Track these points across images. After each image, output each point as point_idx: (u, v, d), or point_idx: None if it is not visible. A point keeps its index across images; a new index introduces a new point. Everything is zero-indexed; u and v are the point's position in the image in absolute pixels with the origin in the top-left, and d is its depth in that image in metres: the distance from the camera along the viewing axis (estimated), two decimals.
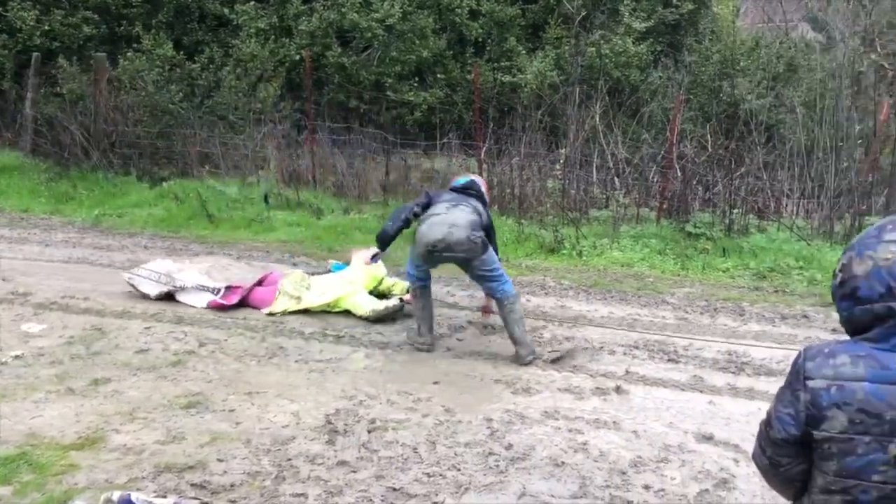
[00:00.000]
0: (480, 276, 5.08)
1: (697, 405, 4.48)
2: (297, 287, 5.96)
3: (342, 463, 3.71)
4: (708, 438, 4.05)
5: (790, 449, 1.80)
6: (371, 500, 3.39)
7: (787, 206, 9.67)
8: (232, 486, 3.49)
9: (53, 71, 11.35)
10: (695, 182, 9.41)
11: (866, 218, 8.36)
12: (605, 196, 9.75)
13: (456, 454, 3.82)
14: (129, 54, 11.16)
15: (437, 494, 3.44)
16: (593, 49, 11.94)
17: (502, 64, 12.24)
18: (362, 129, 11.06)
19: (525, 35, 12.89)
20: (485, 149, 10.04)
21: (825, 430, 1.70)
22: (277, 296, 5.94)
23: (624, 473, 3.68)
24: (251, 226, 8.80)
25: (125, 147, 11.05)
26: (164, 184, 10.25)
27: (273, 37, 11.89)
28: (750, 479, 3.58)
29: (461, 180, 5.48)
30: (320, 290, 5.95)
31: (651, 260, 7.78)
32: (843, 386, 1.69)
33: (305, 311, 5.89)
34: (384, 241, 5.17)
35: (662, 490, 3.54)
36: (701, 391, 4.68)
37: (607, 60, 11.85)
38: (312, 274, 6.26)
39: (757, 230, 8.51)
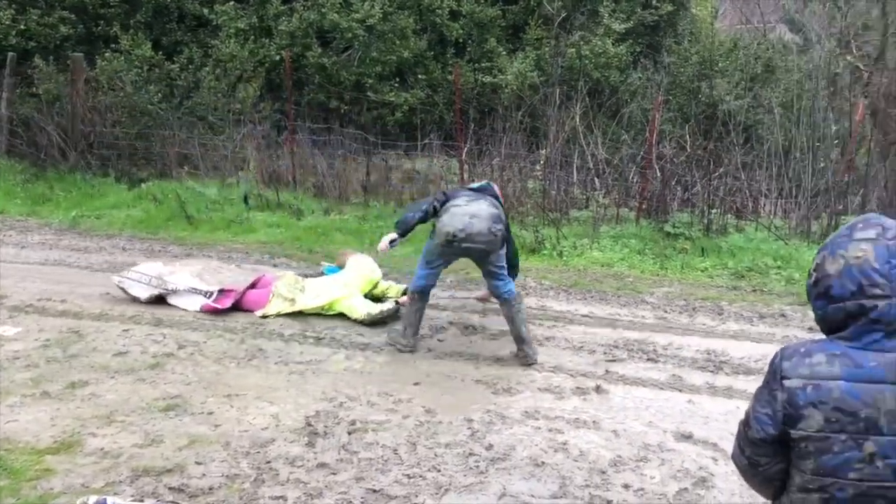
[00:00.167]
0: (491, 272, 5.08)
1: (676, 404, 4.51)
2: (290, 289, 5.92)
3: (322, 465, 3.69)
4: (687, 437, 4.07)
5: (768, 448, 1.81)
6: (351, 501, 3.38)
7: (764, 205, 9.76)
8: (210, 489, 3.46)
9: (29, 71, 11.19)
10: (674, 182, 9.47)
11: (842, 217, 8.45)
12: (585, 196, 9.78)
13: (436, 455, 3.82)
14: (106, 54, 11.05)
15: (417, 496, 3.44)
16: (573, 50, 11.98)
17: (483, 65, 12.25)
18: (343, 129, 11.02)
19: (505, 36, 12.91)
20: (466, 149, 10.04)
21: (802, 429, 1.72)
22: (271, 298, 5.89)
23: (604, 473, 3.69)
24: (230, 227, 8.74)
25: (103, 148, 10.94)
26: (143, 185, 10.16)
27: (253, 37, 11.83)
28: (728, 478, 3.60)
29: (476, 184, 5.43)
30: (314, 292, 5.90)
31: (630, 260, 7.82)
32: (820, 385, 1.70)
33: (285, 313, 5.86)
34: (405, 228, 5.09)
35: (642, 489, 3.56)
36: (680, 390, 4.71)
37: (587, 61, 11.90)
38: (306, 276, 6.22)
39: (735, 230, 8.58)
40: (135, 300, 5.97)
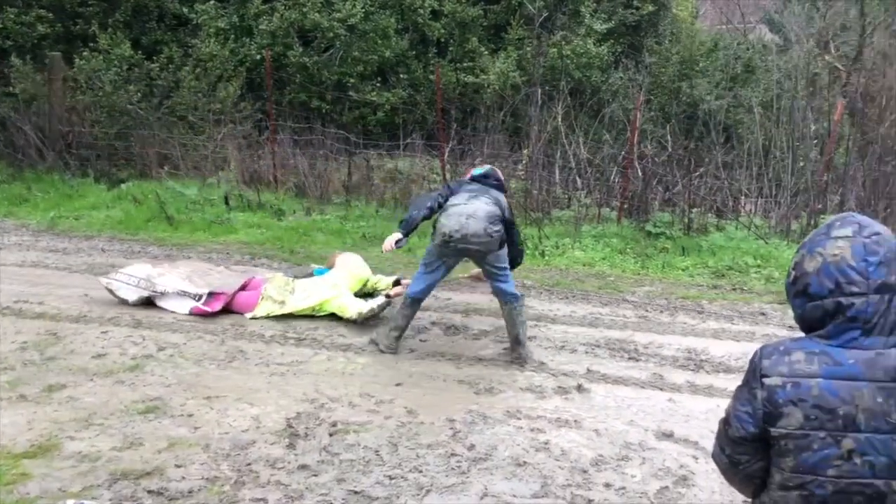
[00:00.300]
0: (491, 273, 5.06)
1: (657, 403, 4.52)
2: (280, 291, 5.87)
3: (303, 467, 3.67)
4: (668, 436, 4.08)
5: (749, 447, 1.82)
6: (332, 503, 3.36)
7: (745, 205, 9.83)
8: (190, 492, 3.43)
9: (6, 70, 11.08)
10: (655, 182, 9.52)
11: (822, 216, 8.53)
12: (567, 196, 9.81)
13: (418, 456, 3.81)
14: (85, 54, 10.94)
15: (398, 497, 3.42)
16: (555, 50, 12.01)
17: (465, 64, 12.26)
18: (324, 129, 10.98)
19: (487, 36, 12.93)
20: (448, 149, 10.04)
21: (782, 427, 1.73)
22: (260, 301, 5.84)
23: (585, 472, 3.69)
24: (211, 227, 8.68)
25: (82, 148, 10.85)
26: (123, 185, 10.08)
27: (233, 36, 11.77)
28: (709, 476, 3.61)
29: (479, 170, 5.35)
30: (304, 294, 5.85)
31: (612, 259, 7.85)
32: (799, 383, 1.71)
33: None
34: (409, 227, 5.00)
35: (623, 488, 3.57)
36: (661, 389, 4.72)
37: (569, 61, 11.94)
38: (295, 277, 6.17)
39: (716, 229, 8.64)
40: (123, 302, 5.91)
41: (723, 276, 7.42)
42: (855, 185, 9.75)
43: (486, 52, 12.25)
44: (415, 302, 5.17)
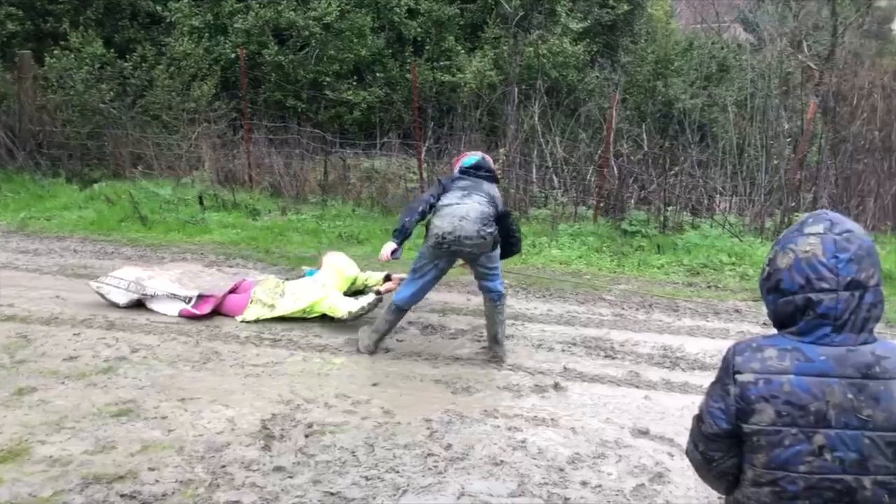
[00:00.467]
0: (481, 273, 5.04)
1: (633, 400, 4.54)
2: (270, 294, 5.80)
3: (278, 468, 3.64)
4: (644, 433, 4.10)
5: (722, 443, 1.82)
6: None
7: (719, 203, 9.91)
8: (164, 495, 3.39)
9: None
10: (631, 181, 9.57)
11: (795, 214, 8.62)
12: (543, 195, 9.84)
13: (395, 456, 3.79)
14: (56, 52, 10.80)
15: (374, 498, 3.41)
16: (531, 49, 12.04)
17: (441, 63, 12.26)
18: (300, 128, 10.92)
19: (464, 34, 12.94)
20: (425, 148, 10.02)
21: (754, 424, 1.73)
22: (250, 303, 5.78)
23: (562, 470, 3.70)
24: (185, 228, 8.59)
25: (53, 148, 10.70)
26: (95, 185, 9.95)
27: (208, 35, 11.67)
28: (684, 473, 3.63)
29: (469, 160, 5.26)
30: (294, 296, 5.80)
31: (588, 258, 7.88)
32: (771, 379, 1.72)
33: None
34: (403, 235, 4.94)
35: (600, 486, 3.57)
36: (637, 386, 4.74)
37: (545, 60, 11.97)
38: (287, 279, 6.11)
39: (691, 227, 8.70)
40: (113, 305, 5.84)
41: (698, 273, 7.47)
42: (828, 183, 9.87)
43: (462, 51, 12.25)
44: (399, 310, 5.12)
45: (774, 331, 1.84)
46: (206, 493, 3.40)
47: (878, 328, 1.83)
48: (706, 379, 4.62)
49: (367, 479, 3.56)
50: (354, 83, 12.04)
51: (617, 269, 7.59)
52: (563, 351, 5.31)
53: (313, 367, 4.92)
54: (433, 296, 6.34)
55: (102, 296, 5.88)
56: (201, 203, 9.23)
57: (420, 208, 4.96)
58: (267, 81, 11.70)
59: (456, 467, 3.70)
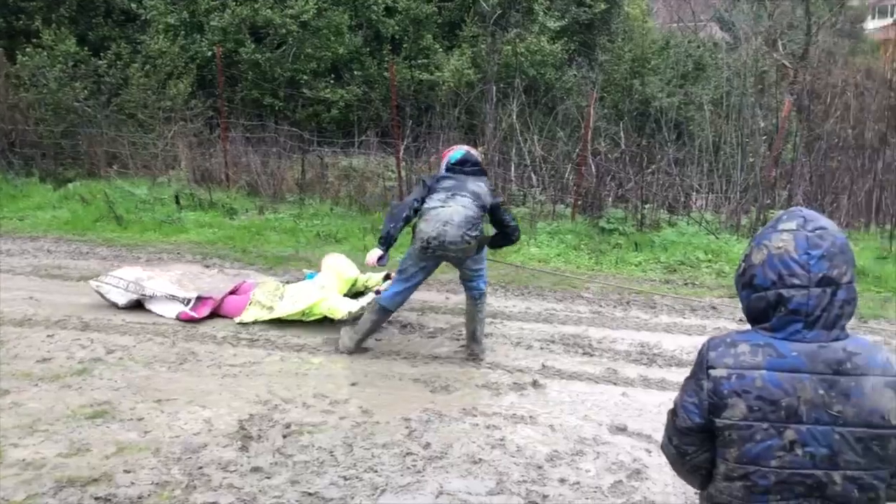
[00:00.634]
0: (466, 275, 5.04)
1: (611, 397, 4.56)
2: (269, 297, 5.75)
3: (256, 469, 3.62)
4: (621, 430, 4.12)
5: (695, 437, 1.83)
6: None
7: (696, 200, 9.98)
8: (139, 497, 3.35)
9: None
10: (608, 179, 9.62)
11: (771, 211, 8.70)
12: (522, 193, 9.86)
13: (373, 456, 3.78)
14: (28, 50, 10.66)
15: (353, 497, 3.40)
16: (509, 47, 12.06)
17: (419, 61, 12.24)
18: (277, 126, 10.87)
19: (441, 33, 12.93)
20: (403, 146, 10.00)
21: (726, 418, 1.74)
22: (248, 305, 5.73)
23: (540, 468, 3.70)
24: (161, 227, 8.52)
25: (26, 147, 10.57)
26: (70, 185, 9.84)
27: (183, 33, 11.58)
28: (662, 469, 3.65)
29: (455, 155, 5.19)
30: (293, 298, 5.75)
31: (566, 255, 7.91)
32: (743, 374, 1.73)
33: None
34: (389, 242, 4.90)
35: (578, 483, 3.58)
36: (615, 383, 4.76)
37: (523, 59, 11.99)
38: (287, 282, 6.06)
39: (668, 225, 8.76)
40: (112, 305, 5.78)
41: (675, 271, 7.52)
42: (802, 180, 9.98)
43: (440, 50, 12.24)
44: (383, 310, 5.10)
45: (749, 326, 1.85)
46: (182, 495, 3.37)
47: (851, 323, 1.85)
48: (683, 376, 4.63)
49: (345, 478, 3.55)
50: (332, 81, 11.99)
51: (595, 267, 7.63)
52: (541, 348, 5.32)
53: (291, 367, 4.90)
54: (412, 294, 6.34)
55: (102, 295, 5.82)
56: (178, 202, 9.16)
57: (404, 214, 4.91)
58: (244, 80, 11.63)
59: (434, 466, 3.69)
